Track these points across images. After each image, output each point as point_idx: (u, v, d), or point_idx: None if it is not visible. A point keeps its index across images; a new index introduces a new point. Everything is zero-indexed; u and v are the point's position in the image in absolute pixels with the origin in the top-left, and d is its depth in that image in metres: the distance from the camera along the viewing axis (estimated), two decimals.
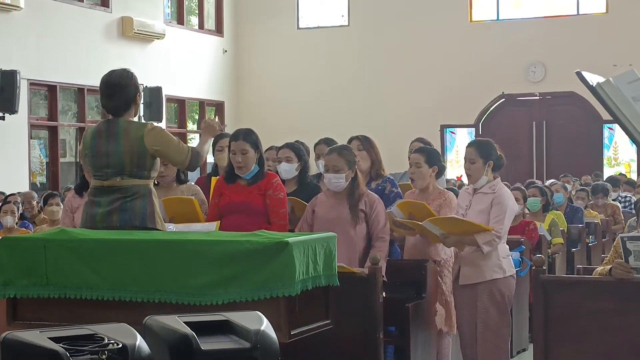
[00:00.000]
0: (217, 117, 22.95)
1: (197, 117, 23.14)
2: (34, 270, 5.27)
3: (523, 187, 11.09)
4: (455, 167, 21.34)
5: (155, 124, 6.34)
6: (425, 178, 7.15)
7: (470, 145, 7.08)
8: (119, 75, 6.10)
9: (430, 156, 7.23)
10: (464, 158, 7.00)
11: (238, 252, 4.96)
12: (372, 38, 22.84)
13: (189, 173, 7.80)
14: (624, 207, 14.30)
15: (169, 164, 7.09)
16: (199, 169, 7.45)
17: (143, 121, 6.48)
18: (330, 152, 6.87)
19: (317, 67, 23.22)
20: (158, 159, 6.09)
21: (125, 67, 6.36)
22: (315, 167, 8.35)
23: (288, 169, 7.53)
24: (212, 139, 6.48)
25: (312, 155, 8.38)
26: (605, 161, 22.10)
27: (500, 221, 6.72)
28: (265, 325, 3.82)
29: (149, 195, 5.99)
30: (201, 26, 23.31)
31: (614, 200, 14.35)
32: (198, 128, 22.73)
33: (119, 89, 6.05)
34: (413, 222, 6.75)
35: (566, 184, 14.14)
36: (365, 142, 7.62)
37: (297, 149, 7.61)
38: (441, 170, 7.40)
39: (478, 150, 6.93)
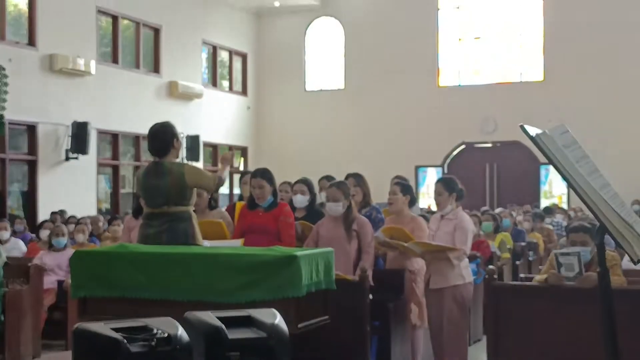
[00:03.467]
0: (234, 155, 23.00)
1: None
2: (100, 276, 5.28)
3: (479, 214, 11.08)
4: (426, 198, 21.31)
5: (192, 163, 6.34)
6: (399, 204, 7.15)
7: (438, 181, 7.08)
8: (159, 125, 6.15)
9: (404, 188, 7.25)
10: (434, 191, 6.99)
11: (258, 262, 4.95)
12: (362, 98, 22.94)
13: (220, 200, 7.80)
14: (557, 230, 14.27)
15: (202, 195, 7.07)
16: (227, 195, 7.43)
17: (182, 162, 6.42)
18: (330, 186, 6.89)
19: (319, 121, 23.32)
20: (195, 190, 6.10)
21: (171, 119, 6.39)
22: (319, 197, 8.33)
23: (301, 200, 7.51)
24: (229, 167, 6.44)
25: (316, 187, 8.35)
26: (542, 194, 22.12)
27: (464, 242, 6.71)
28: (279, 320, 3.82)
29: (190, 219, 5.99)
30: (230, 88, 23.42)
31: (548, 224, 14.33)
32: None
33: (157, 135, 6.08)
34: (398, 243, 6.73)
35: (512, 212, 14.12)
36: (359, 179, 7.63)
37: (309, 184, 7.60)
38: (413, 200, 7.35)
39: (444, 185, 6.94)
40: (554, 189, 22.13)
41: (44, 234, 10.50)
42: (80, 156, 16.64)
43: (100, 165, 17.94)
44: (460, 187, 6.97)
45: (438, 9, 22.62)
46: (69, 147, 16.54)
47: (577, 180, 3.05)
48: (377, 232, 6.90)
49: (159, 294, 5.10)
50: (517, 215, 14.59)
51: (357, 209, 7.19)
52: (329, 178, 7.91)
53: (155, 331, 3.42)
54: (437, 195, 6.92)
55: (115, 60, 18.49)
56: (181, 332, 3.47)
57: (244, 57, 23.76)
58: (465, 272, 6.77)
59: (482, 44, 22.53)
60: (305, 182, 7.62)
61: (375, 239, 6.78)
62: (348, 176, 7.68)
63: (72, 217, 13.60)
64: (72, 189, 16.61)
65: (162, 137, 6.05)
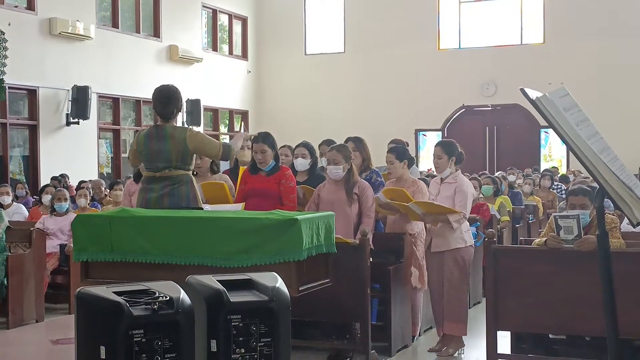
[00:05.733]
0: (242, 122, 22.93)
1: (227, 122, 23.16)
2: (102, 240, 5.27)
3: (478, 177, 11.08)
4: (426, 162, 21.31)
5: (194, 127, 6.31)
6: (398, 171, 7.13)
7: (437, 144, 7.05)
8: (172, 89, 6.09)
9: (399, 153, 7.20)
10: (433, 154, 6.97)
11: (259, 226, 4.94)
12: (362, 62, 22.84)
13: (221, 165, 7.82)
14: (558, 193, 14.27)
15: (204, 157, 7.07)
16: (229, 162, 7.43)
17: (184, 126, 6.38)
18: (331, 149, 6.87)
19: (319, 84, 23.24)
20: (195, 155, 6.08)
21: (172, 84, 6.35)
22: (319, 161, 8.31)
23: (303, 163, 7.51)
24: (240, 142, 6.44)
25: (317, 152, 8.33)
26: (542, 157, 22.12)
27: (464, 205, 6.71)
28: (280, 283, 3.83)
29: (191, 182, 5.98)
30: (230, 52, 23.30)
31: (549, 187, 14.32)
32: (229, 131, 22.75)
33: (173, 99, 6.03)
34: (400, 204, 6.73)
35: (507, 176, 14.11)
36: (358, 143, 7.56)
37: (310, 148, 7.58)
38: (410, 162, 7.34)
39: (444, 148, 6.92)
40: (554, 153, 22.12)
41: (46, 198, 10.51)
42: (81, 121, 16.60)
43: (101, 129, 17.90)
44: (460, 150, 6.95)
45: None
46: (70, 111, 16.51)
47: (577, 143, 3.05)
48: (378, 193, 6.90)
49: (160, 258, 5.10)
50: (517, 178, 14.59)
51: (357, 173, 7.17)
52: (328, 142, 7.88)
53: (157, 295, 3.43)
54: (437, 158, 6.90)
55: (115, 25, 18.38)
56: (183, 295, 3.48)
57: (244, 20, 23.61)
58: (466, 236, 6.78)
59: (482, 7, 22.39)
60: (306, 145, 7.59)
61: (376, 200, 6.78)
62: (348, 140, 7.64)
63: (83, 181, 13.55)
64: (73, 154, 16.60)
65: (174, 102, 6.02)
